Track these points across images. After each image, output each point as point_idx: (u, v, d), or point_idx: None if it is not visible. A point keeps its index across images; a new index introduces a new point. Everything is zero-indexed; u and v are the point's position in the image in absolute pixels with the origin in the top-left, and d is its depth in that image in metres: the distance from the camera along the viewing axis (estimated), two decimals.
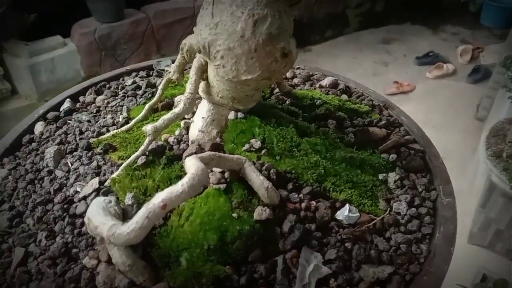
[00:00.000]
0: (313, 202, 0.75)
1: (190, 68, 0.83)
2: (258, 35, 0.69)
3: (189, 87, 0.80)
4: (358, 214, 0.76)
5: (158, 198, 0.59)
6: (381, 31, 4.23)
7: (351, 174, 0.82)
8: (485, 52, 3.99)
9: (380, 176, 0.84)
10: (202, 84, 0.83)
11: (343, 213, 0.75)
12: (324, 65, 3.81)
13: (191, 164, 0.62)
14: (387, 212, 0.78)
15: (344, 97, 1.02)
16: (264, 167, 0.77)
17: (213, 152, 0.70)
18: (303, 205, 0.74)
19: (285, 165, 0.79)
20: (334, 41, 4.10)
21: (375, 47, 4.06)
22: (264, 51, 0.70)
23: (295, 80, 1.09)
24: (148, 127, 0.77)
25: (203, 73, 0.82)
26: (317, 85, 1.07)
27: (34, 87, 3.10)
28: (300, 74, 1.12)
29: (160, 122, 0.77)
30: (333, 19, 4.01)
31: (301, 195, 0.76)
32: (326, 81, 1.07)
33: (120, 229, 0.61)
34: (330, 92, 1.03)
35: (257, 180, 0.72)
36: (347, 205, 0.76)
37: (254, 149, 0.79)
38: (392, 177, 0.84)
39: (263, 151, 0.79)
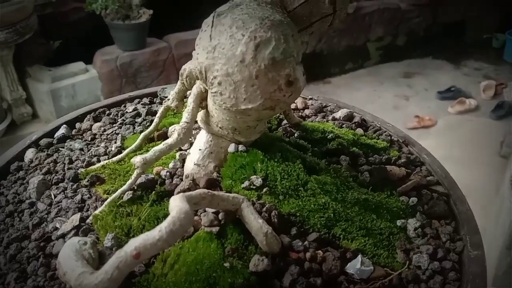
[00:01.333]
0: (319, 251, 0.64)
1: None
2: (260, 60, 0.60)
3: (185, 115, 0.71)
4: (371, 267, 0.64)
5: (131, 246, 0.48)
6: (402, 64, 4.14)
7: (365, 219, 0.70)
8: (509, 88, 3.85)
9: (399, 223, 0.72)
10: (201, 113, 0.74)
11: (354, 266, 0.64)
12: (344, 97, 3.71)
13: (174, 206, 0.52)
14: (406, 265, 0.66)
15: (360, 131, 0.92)
16: (264, 208, 0.66)
17: (204, 190, 0.60)
18: (308, 254, 0.63)
19: (289, 206, 0.68)
20: (354, 73, 4.02)
21: (396, 81, 3.96)
22: (267, 78, 0.61)
23: (306, 111, 0.99)
24: (137, 159, 0.68)
25: (202, 100, 0.73)
26: (330, 117, 0.97)
27: (54, 112, 3.10)
28: (312, 105, 1.02)
29: (150, 153, 0.68)
30: (354, 51, 3.94)
31: (306, 242, 0.65)
32: (340, 113, 0.96)
33: (88, 279, 0.51)
34: (344, 125, 0.93)
35: (256, 224, 0.62)
36: (359, 256, 0.65)
37: (254, 187, 0.69)
38: (412, 223, 0.72)
39: (265, 190, 0.69)
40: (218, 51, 0.62)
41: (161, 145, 0.69)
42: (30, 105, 3.06)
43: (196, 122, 0.75)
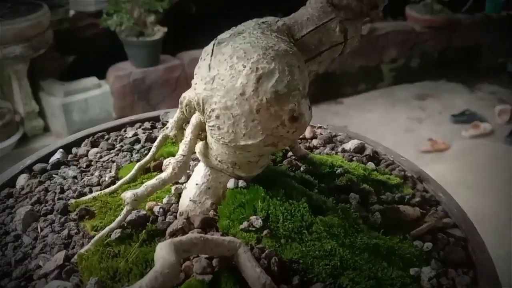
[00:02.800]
0: None
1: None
2: (262, 93, 0.54)
3: (182, 147, 0.65)
4: None
5: None
6: (415, 87, 4.06)
7: (375, 268, 0.63)
8: None
9: (412, 271, 0.65)
10: (199, 145, 0.68)
11: None
12: (356, 118, 3.64)
13: (159, 257, 0.46)
14: None
15: (371, 165, 0.85)
16: (264, 254, 0.59)
17: (196, 235, 0.54)
18: None
19: (291, 252, 0.61)
20: (367, 94, 3.96)
21: (409, 103, 3.88)
22: (269, 113, 0.55)
23: (314, 142, 0.92)
24: (127, 195, 0.62)
25: (201, 131, 0.67)
26: (339, 149, 0.90)
27: (66, 126, 3.09)
28: (321, 134, 0.95)
29: (142, 189, 0.62)
30: (367, 72, 3.88)
31: None
32: (350, 145, 0.90)
33: None
34: (354, 158, 0.86)
35: (253, 273, 0.55)
36: None
37: (254, 229, 0.63)
38: (427, 273, 0.65)
39: (265, 232, 0.62)
40: (217, 82, 0.56)
41: (154, 180, 0.63)
42: (42, 118, 3.06)
43: (194, 153, 0.69)
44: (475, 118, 3.67)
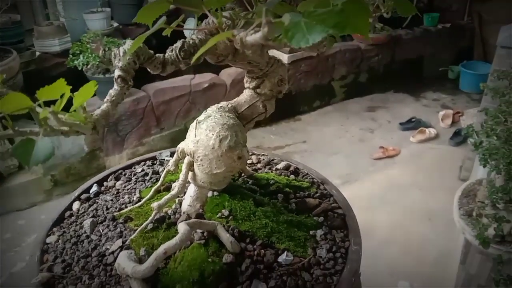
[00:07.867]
0: (262, 250, 1.26)
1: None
2: (223, 147, 1.23)
3: (181, 177, 1.33)
4: (292, 257, 1.26)
5: (162, 248, 1.10)
6: (366, 99, 4.87)
7: (290, 231, 1.33)
8: (465, 116, 4.56)
9: (311, 232, 1.35)
10: (190, 174, 1.37)
11: (282, 257, 1.26)
12: (313, 133, 4.38)
13: (181, 228, 1.14)
14: (313, 256, 1.28)
15: (292, 177, 1.55)
16: (230, 228, 1.28)
17: (196, 220, 1.22)
18: (256, 252, 1.25)
19: (244, 226, 1.30)
20: (322, 110, 4.73)
21: (361, 115, 4.66)
22: (227, 156, 1.24)
23: (259, 165, 1.62)
24: (155, 204, 1.29)
25: (191, 166, 1.35)
26: (274, 168, 1.60)
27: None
28: (263, 159, 1.66)
29: (163, 200, 1.30)
30: (320, 90, 4.65)
31: (255, 246, 1.26)
32: (280, 165, 1.60)
33: (139, 267, 1.12)
34: (282, 174, 1.56)
35: (225, 237, 1.23)
36: (285, 252, 1.27)
37: (224, 216, 1.31)
38: (319, 233, 1.35)
39: (230, 217, 1.31)
40: (200, 143, 1.25)
41: (168, 195, 1.31)
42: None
43: (188, 180, 1.37)
44: (421, 124, 4.48)
